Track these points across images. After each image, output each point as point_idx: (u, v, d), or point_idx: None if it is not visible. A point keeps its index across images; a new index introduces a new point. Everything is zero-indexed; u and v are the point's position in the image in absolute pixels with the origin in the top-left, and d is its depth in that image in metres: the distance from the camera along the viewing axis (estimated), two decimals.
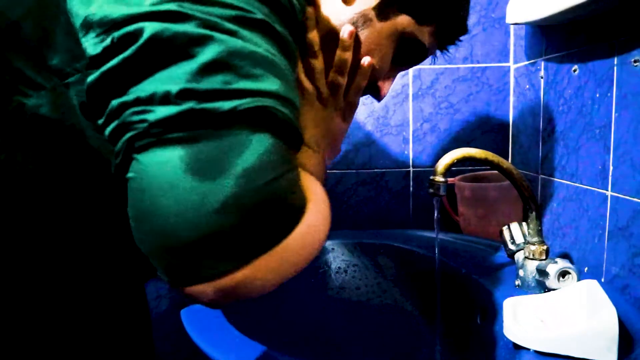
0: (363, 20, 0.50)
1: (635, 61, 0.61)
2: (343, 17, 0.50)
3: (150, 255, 0.33)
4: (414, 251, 0.87)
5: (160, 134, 0.31)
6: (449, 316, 0.73)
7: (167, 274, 0.33)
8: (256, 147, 0.32)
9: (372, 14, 0.50)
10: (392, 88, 1.06)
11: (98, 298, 0.47)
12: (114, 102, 0.32)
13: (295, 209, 0.34)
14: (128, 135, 0.32)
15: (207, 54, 0.32)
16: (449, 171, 0.62)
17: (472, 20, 1.03)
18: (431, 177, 0.63)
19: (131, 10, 0.32)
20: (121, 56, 0.32)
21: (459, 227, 1.02)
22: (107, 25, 0.33)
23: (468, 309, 0.71)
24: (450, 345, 0.73)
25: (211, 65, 0.32)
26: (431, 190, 0.63)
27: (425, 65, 1.05)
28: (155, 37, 0.31)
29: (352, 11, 0.50)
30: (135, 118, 0.31)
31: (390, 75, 0.58)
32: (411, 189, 1.10)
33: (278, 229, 0.33)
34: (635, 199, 0.62)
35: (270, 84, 0.33)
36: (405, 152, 1.08)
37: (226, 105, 0.31)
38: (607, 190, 0.68)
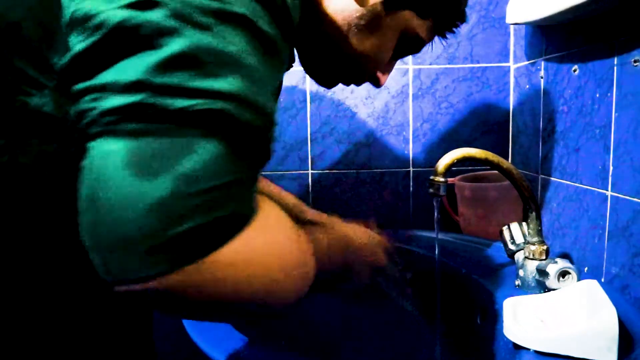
0: (371, 14, 0.51)
1: (635, 61, 0.61)
2: (353, 11, 0.51)
3: (88, 249, 0.32)
4: (414, 251, 0.87)
5: (110, 124, 0.30)
6: (449, 316, 0.73)
7: (99, 269, 0.31)
8: (202, 151, 0.30)
9: (379, 8, 0.51)
10: (392, 89, 1.06)
11: (99, 297, 0.47)
12: (75, 88, 0.32)
13: (231, 223, 0.32)
14: (83, 122, 0.31)
15: (171, 47, 0.30)
16: (449, 171, 0.62)
17: (472, 20, 1.04)
18: (431, 177, 0.63)
19: (109, 4, 0.31)
20: (88, 41, 0.31)
21: (459, 227, 1.02)
22: (85, 21, 0.32)
23: (468, 309, 0.71)
24: (450, 345, 0.73)
25: (173, 59, 0.30)
26: (431, 190, 0.63)
27: (425, 65, 1.05)
28: (120, 25, 0.30)
29: (362, 6, 0.51)
30: (90, 105, 0.31)
31: (389, 66, 0.60)
32: (411, 189, 1.10)
33: (208, 239, 0.31)
34: (635, 199, 0.62)
35: (235, 85, 0.32)
36: (405, 152, 1.08)
37: (179, 103, 0.30)
38: (607, 190, 0.68)
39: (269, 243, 0.35)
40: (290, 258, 0.38)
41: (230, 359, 0.53)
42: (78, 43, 0.32)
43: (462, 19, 0.58)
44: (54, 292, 0.44)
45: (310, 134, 1.08)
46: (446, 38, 0.60)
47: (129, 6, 0.31)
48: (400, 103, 1.07)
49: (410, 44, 0.57)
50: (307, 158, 1.09)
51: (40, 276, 0.43)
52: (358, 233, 0.63)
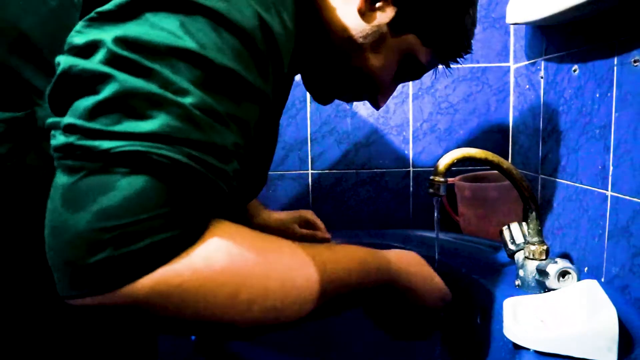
0: (377, 34, 0.51)
1: (635, 61, 0.61)
2: (358, 29, 0.51)
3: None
4: (414, 251, 0.87)
5: (58, 158, 0.34)
6: (449, 316, 0.73)
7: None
8: (125, 188, 0.32)
9: (385, 29, 0.51)
10: None
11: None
12: (47, 121, 0.35)
13: (152, 253, 0.33)
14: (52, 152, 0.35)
15: (103, 92, 0.33)
16: (449, 171, 0.62)
17: None
18: (431, 177, 0.63)
19: (80, 39, 0.34)
20: (51, 82, 0.35)
21: (459, 227, 1.02)
22: (66, 52, 0.35)
23: (468, 309, 0.71)
24: (450, 345, 0.73)
25: (103, 104, 0.33)
26: (431, 190, 0.63)
27: None
28: (68, 71, 0.34)
29: (368, 24, 0.51)
30: (51, 140, 0.35)
31: (390, 89, 0.59)
32: (411, 189, 1.10)
33: (126, 267, 0.33)
34: (635, 199, 0.62)
35: (159, 125, 0.33)
36: (405, 152, 1.08)
37: (104, 145, 0.32)
38: (607, 190, 0.68)
39: (223, 265, 0.36)
40: (255, 279, 0.38)
41: (230, 359, 0.53)
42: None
43: (467, 50, 0.58)
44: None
45: (310, 134, 1.08)
46: (449, 67, 0.60)
47: (75, 53, 0.34)
48: (400, 103, 1.07)
49: (412, 69, 0.57)
50: (307, 158, 1.09)
51: (44, 277, 0.43)
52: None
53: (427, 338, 0.62)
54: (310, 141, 1.08)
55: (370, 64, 0.53)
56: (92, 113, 0.33)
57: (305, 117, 1.08)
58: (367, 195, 1.10)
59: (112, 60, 0.33)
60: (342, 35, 0.51)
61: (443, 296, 0.60)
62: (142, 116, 0.33)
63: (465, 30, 0.56)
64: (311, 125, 1.08)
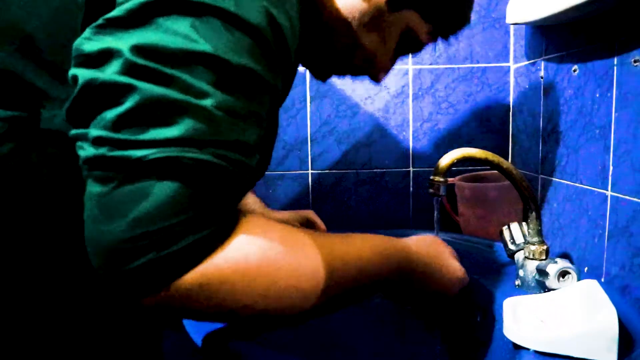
0: (376, 11, 0.52)
1: (635, 61, 0.61)
2: (357, 7, 0.52)
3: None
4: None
5: (89, 169, 0.35)
6: (449, 316, 0.73)
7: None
8: (159, 193, 0.34)
9: (383, 7, 0.52)
10: (392, 88, 1.06)
11: (110, 300, 0.47)
12: (70, 133, 0.37)
13: (192, 252, 0.35)
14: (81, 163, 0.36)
15: (127, 103, 0.34)
16: (449, 171, 0.62)
17: (472, 20, 1.03)
18: (431, 177, 0.63)
19: (91, 46, 0.35)
20: (71, 97, 0.36)
21: (459, 227, 1.02)
22: (75, 59, 0.36)
23: (468, 309, 0.71)
24: (450, 345, 0.73)
25: (128, 114, 0.34)
26: (431, 190, 0.63)
27: (426, 65, 1.05)
28: (88, 85, 0.34)
29: (366, 2, 0.51)
30: (78, 151, 0.36)
31: (389, 64, 0.60)
32: (411, 189, 1.10)
33: (166, 269, 0.35)
34: (635, 199, 0.62)
35: (185, 129, 0.34)
36: (405, 152, 1.08)
37: (134, 154, 0.34)
38: (607, 190, 0.68)
39: (259, 257, 0.38)
40: (287, 269, 0.40)
41: (230, 359, 0.53)
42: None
43: (466, 22, 0.59)
44: (65, 293, 0.44)
45: (310, 134, 1.08)
46: (448, 40, 0.60)
47: (87, 63, 0.35)
48: (400, 103, 1.07)
49: (411, 44, 0.58)
50: (307, 158, 1.09)
51: (50, 278, 0.43)
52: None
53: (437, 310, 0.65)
54: (310, 141, 1.08)
55: (370, 41, 0.54)
56: (118, 124, 0.34)
57: (305, 117, 1.08)
58: (367, 195, 1.10)
59: (132, 69, 0.34)
60: (341, 14, 0.52)
61: (460, 281, 0.61)
62: (167, 122, 0.34)
63: (464, 3, 0.57)
64: (311, 125, 1.08)
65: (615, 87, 0.66)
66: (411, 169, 1.09)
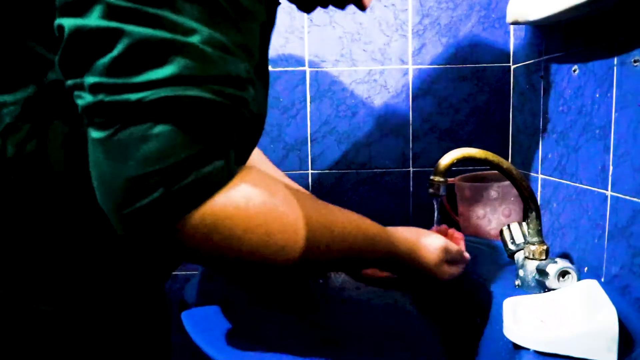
0: None
1: (635, 61, 0.61)
2: None
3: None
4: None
5: (88, 117, 0.36)
6: (449, 316, 0.73)
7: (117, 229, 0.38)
8: (161, 133, 0.35)
9: None
10: (392, 88, 1.06)
11: (118, 297, 0.47)
12: (66, 83, 0.37)
13: (197, 189, 0.37)
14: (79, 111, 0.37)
15: (117, 48, 0.34)
16: (449, 171, 0.62)
17: (472, 20, 1.04)
18: (431, 177, 0.63)
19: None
20: (60, 47, 0.36)
21: (459, 227, 1.02)
22: (59, 9, 0.36)
23: (468, 309, 0.71)
24: (450, 345, 0.73)
25: (120, 59, 0.34)
26: (431, 190, 0.63)
27: (425, 65, 1.05)
28: (73, 35, 0.34)
29: None
30: (76, 100, 0.36)
31: None
32: (411, 189, 1.10)
33: (177, 205, 0.37)
34: (635, 199, 0.62)
35: (175, 69, 0.35)
36: (405, 152, 1.08)
37: (133, 97, 0.34)
38: (607, 190, 0.68)
39: (260, 203, 0.40)
40: (284, 221, 0.42)
41: None
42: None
43: None
44: (74, 291, 0.44)
45: (310, 134, 1.08)
46: None
47: (71, 11, 0.35)
48: (400, 103, 1.07)
49: None
50: (307, 158, 1.09)
51: (60, 275, 0.43)
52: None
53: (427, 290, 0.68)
54: (310, 141, 1.08)
55: None
56: (112, 69, 0.34)
57: (305, 117, 1.08)
58: (367, 195, 1.10)
59: (116, 13, 0.34)
60: None
61: (457, 274, 0.65)
62: (160, 63, 0.34)
63: None
64: (311, 125, 1.08)
65: (615, 87, 0.66)
66: (411, 169, 1.09)
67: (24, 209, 0.41)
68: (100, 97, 0.34)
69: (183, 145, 0.36)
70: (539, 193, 0.90)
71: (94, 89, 0.35)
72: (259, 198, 0.40)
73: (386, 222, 1.04)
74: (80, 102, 0.36)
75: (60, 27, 0.35)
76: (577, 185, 0.76)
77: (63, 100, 0.40)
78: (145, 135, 0.35)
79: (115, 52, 0.34)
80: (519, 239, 0.68)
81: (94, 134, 0.36)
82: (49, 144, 0.41)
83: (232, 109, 0.38)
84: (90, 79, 0.35)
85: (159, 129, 0.35)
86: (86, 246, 0.44)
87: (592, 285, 0.55)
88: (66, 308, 0.44)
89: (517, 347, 0.51)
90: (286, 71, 1.06)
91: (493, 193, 0.93)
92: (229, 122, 0.38)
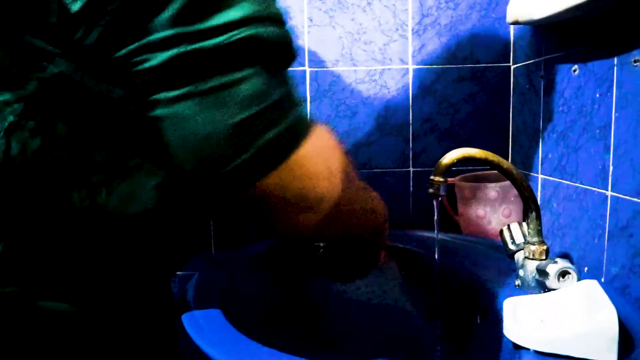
0: None
1: (635, 61, 0.61)
2: None
3: (192, 173, 0.38)
4: (414, 251, 0.87)
5: (160, 78, 0.35)
6: (449, 316, 0.73)
7: (213, 188, 0.38)
8: (249, 78, 0.35)
9: None
10: (392, 88, 1.06)
11: (124, 292, 0.48)
12: (118, 54, 0.36)
13: (295, 130, 0.38)
14: (140, 80, 0.36)
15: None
16: (449, 171, 0.62)
17: (472, 20, 1.04)
18: (431, 177, 0.63)
19: None
20: (104, 19, 0.35)
21: (459, 227, 1.02)
22: None
23: (468, 309, 0.71)
24: (450, 345, 0.73)
25: (185, 8, 0.34)
26: (431, 191, 0.63)
27: (425, 65, 1.05)
28: None
29: None
30: (141, 67, 0.35)
31: None
32: (411, 189, 1.10)
33: (285, 144, 0.38)
34: (635, 199, 0.62)
35: (248, 8, 0.35)
36: (405, 152, 1.08)
37: (211, 43, 0.34)
38: (607, 190, 0.68)
39: (331, 151, 0.46)
40: (338, 168, 0.46)
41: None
42: (74, 3, 0.35)
43: None
44: (80, 286, 0.44)
45: None
46: None
47: None
48: (400, 103, 1.07)
49: None
50: None
51: (67, 270, 0.43)
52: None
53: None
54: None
55: None
56: (179, 19, 0.34)
57: None
58: None
59: None
60: None
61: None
62: (226, 6, 0.35)
63: None
64: None
65: (615, 87, 0.66)
66: (411, 169, 1.09)
67: (30, 208, 0.41)
68: (175, 50, 0.34)
69: (274, 85, 0.36)
70: (539, 193, 0.90)
71: (166, 43, 0.34)
72: (328, 150, 0.44)
73: None
74: (146, 65, 0.35)
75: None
76: (577, 185, 0.76)
77: (67, 94, 0.40)
78: (236, 79, 0.35)
79: (178, 3, 0.33)
80: (519, 239, 0.68)
81: (173, 93, 0.35)
82: (54, 141, 0.40)
83: (291, 47, 0.38)
84: (159, 35, 0.34)
85: (247, 71, 0.35)
86: (92, 242, 0.44)
87: (592, 285, 0.55)
88: (73, 304, 0.44)
89: (517, 347, 0.51)
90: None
91: (493, 193, 0.93)
92: (290, 62, 0.39)
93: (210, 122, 0.35)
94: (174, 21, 0.33)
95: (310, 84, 1.06)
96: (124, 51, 0.35)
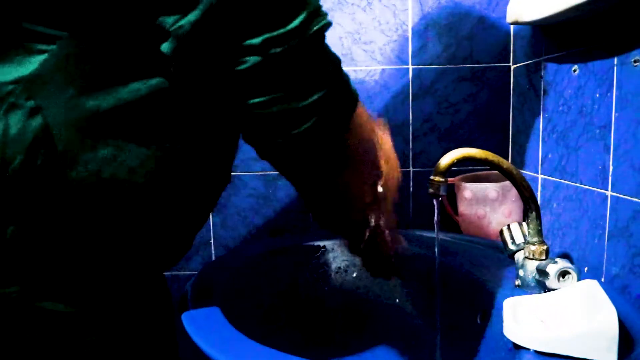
0: None
1: (635, 61, 0.61)
2: None
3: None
4: (414, 251, 0.87)
5: (255, 77, 0.45)
6: (449, 316, 0.73)
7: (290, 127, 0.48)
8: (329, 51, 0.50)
9: None
10: (392, 88, 1.06)
11: (120, 290, 0.47)
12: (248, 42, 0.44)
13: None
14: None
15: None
16: (449, 171, 0.62)
17: (472, 20, 1.04)
18: (431, 177, 0.63)
19: None
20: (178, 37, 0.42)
21: (459, 227, 1.02)
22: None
23: (468, 309, 0.71)
24: (450, 345, 0.73)
25: (271, 14, 0.43)
26: (431, 191, 0.63)
27: (425, 65, 1.05)
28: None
29: None
30: (240, 67, 0.44)
31: None
32: (411, 189, 1.10)
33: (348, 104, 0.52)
34: (635, 199, 0.62)
35: (309, 6, 0.45)
36: (405, 152, 1.08)
37: (315, 27, 0.45)
38: (607, 190, 0.68)
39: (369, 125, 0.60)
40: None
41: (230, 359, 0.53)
42: None
43: None
44: (79, 283, 0.44)
45: None
46: None
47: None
48: (400, 103, 1.07)
49: None
50: None
51: (66, 266, 0.43)
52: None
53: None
54: None
55: None
56: (268, 25, 0.43)
57: None
58: None
59: None
60: None
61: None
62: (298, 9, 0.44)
63: None
64: None
65: (615, 87, 0.66)
66: (411, 169, 1.09)
67: (28, 195, 0.41)
68: (269, 51, 0.43)
69: (332, 57, 0.50)
70: (539, 193, 0.90)
71: (261, 48, 0.43)
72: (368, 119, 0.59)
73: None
74: (243, 66, 0.43)
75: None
76: (577, 185, 0.76)
77: (68, 72, 0.40)
78: (319, 55, 0.48)
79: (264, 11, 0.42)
80: (519, 239, 0.68)
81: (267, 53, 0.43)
82: (53, 121, 0.40)
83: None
84: (254, 41, 0.42)
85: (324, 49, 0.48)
86: (89, 233, 0.43)
87: (592, 285, 0.55)
88: (70, 305, 0.44)
89: (517, 347, 0.51)
90: None
91: (493, 193, 0.93)
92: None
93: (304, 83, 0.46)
94: (265, 28, 0.42)
95: None
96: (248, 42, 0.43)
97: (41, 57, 0.40)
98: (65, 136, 0.40)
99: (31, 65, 0.40)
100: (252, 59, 0.43)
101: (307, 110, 0.47)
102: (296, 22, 0.43)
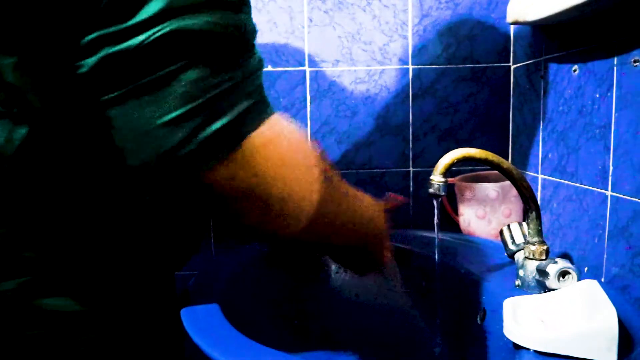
0: None
1: (635, 61, 0.61)
2: None
3: (138, 169, 0.38)
4: (414, 251, 0.87)
5: (97, 81, 0.35)
6: (449, 316, 0.73)
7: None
8: (183, 73, 0.34)
9: None
10: (392, 88, 1.06)
11: (126, 289, 0.47)
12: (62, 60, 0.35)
13: (246, 119, 0.38)
14: (82, 84, 0.36)
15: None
16: (449, 171, 0.62)
17: (472, 20, 1.04)
18: (431, 177, 0.63)
19: None
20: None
21: (459, 227, 1.02)
22: None
23: (468, 309, 0.71)
24: (450, 345, 0.73)
25: (107, 7, 0.33)
26: (431, 191, 0.63)
27: (425, 65, 1.05)
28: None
29: None
30: (79, 71, 0.35)
31: None
32: (411, 189, 1.10)
33: (234, 133, 0.37)
34: (635, 199, 0.62)
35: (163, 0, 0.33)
36: (405, 152, 1.08)
37: (134, 42, 0.33)
38: (607, 190, 0.68)
39: (289, 143, 0.42)
40: (304, 164, 0.43)
41: (230, 359, 0.53)
42: None
43: None
44: (84, 280, 0.44)
45: (310, 134, 1.08)
46: None
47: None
48: (400, 103, 1.07)
49: None
50: None
51: (69, 264, 0.43)
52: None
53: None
54: (311, 141, 1.08)
55: None
56: (103, 20, 0.34)
57: (305, 117, 1.08)
58: None
59: None
60: None
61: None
62: (145, 1, 0.34)
63: None
64: (311, 125, 1.08)
65: (615, 87, 0.66)
66: (411, 169, 1.09)
67: (28, 194, 0.40)
68: (103, 52, 0.33)
69: (221, 75, 0.35)
70: (539, 193, 0.90)
71: (90, 48, 0.33)
72: (286, 145, 0.41)
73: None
74: (81, 71, 0.34)
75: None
76: (577, 185, 0.76)
77: (61, 61, 0.38)
78: (170, 74, 0.34)
79: (100, 4, 0.33)
80: (519, 239, 0.68)
81: (110, 95, 0.34)
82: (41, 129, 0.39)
83: (234, 36, 0.36)
84: (84, 41, 0.33)
85: (180, 65, 0.34)
86: (95, 230, 0.43)
87: (592, 285, 0.55)
88: (75, 301, 0.44)
89: (517, 347, 0.51)
90: (286, 71, 1.06)
91: (493, 193, 0.93)
92: (238, 51, 0.37)
93: (148, 118, 0.34)
94: (98, 22, 0.33)
95: (310, 84, 1.06)
96: (68, 57, 0.35)
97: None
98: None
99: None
100: (88, 61, 0.35)
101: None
102: (138, 19, 0.33)
